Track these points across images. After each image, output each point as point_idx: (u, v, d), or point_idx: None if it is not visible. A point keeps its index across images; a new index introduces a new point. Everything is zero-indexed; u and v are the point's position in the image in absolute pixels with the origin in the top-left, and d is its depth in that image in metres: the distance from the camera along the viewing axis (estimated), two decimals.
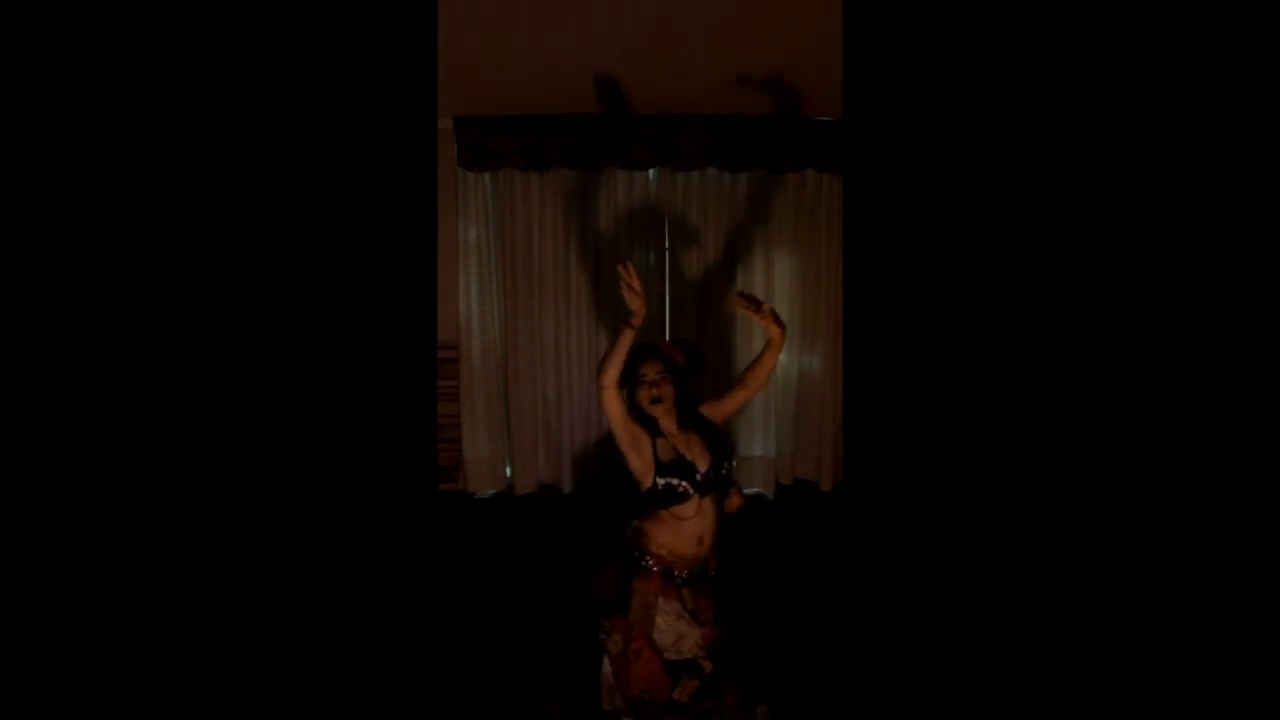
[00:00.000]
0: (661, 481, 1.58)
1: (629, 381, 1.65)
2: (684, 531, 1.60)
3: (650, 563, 1.61)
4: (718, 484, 1.62)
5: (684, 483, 1.58)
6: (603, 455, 3.31)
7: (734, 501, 1.69)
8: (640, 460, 1.62)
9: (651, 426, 1.64)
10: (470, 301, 3.23)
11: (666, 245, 3.25)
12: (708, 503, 1.60)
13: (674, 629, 1.60)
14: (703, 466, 1.60)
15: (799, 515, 3.15)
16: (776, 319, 1.65)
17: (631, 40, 2.23)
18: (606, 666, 1.65)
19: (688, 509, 1.58)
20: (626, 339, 1.57)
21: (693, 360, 1.72)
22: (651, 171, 3.18)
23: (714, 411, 1.72)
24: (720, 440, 1.67)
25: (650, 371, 1.64)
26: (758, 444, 3.42)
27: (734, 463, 1.70)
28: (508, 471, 3.37)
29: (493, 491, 3.36)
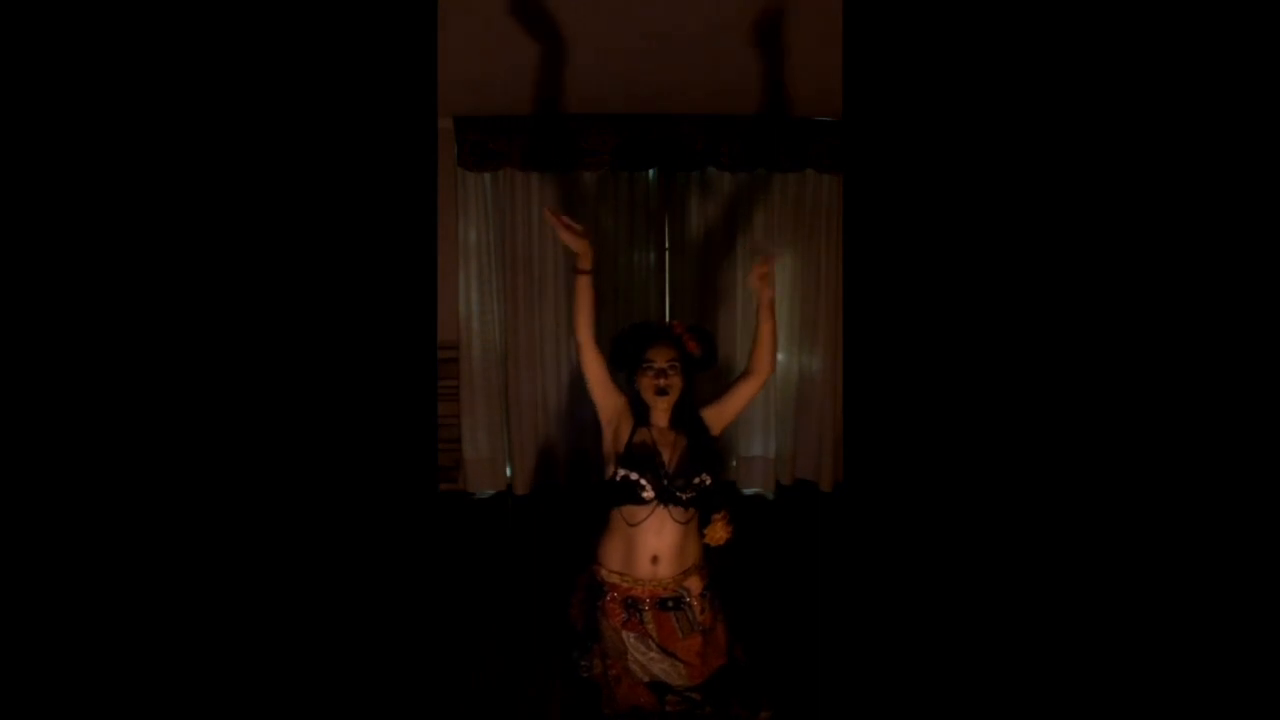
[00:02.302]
0: (621, 472, 1.40)
1: (630, 364, 1.45)
2: (636, 546, 1.40)
3: (608, 595, 1.44)
4: (690, 499, 1.40)
5: (644, 479, 1.38)
6: (599, 454, 3.31)
7: (715, 532, 1.43)
8: (614, 440, 1.45)
9: (640, 415, 1.45)
10: (470, 301, 3.23)
11: (666, 245, 3.25)
12: (667, 517, 1.39)
13: (644, 661, 1.44)
14: (673, 467, 1.40)
15: (799, 515, 3.15)
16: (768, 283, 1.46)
17: (632, 40, 2.22)
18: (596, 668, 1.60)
19: (640, 512, 1.38)
20: (584, 285, 1.41)
21: (706, 352, 1.49)
22: (651, 171, 3.18)
23: (717, 415, 1.50)
24: (705, 452, 1.44)
25: (659, 358, 1.42)
26: (758, 444, 3.41)
27: (712, 481, 1.43)
28: (508, 471, 3.37)
29: (493, 491, 3.36)
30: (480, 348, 3.27)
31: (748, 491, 3.38)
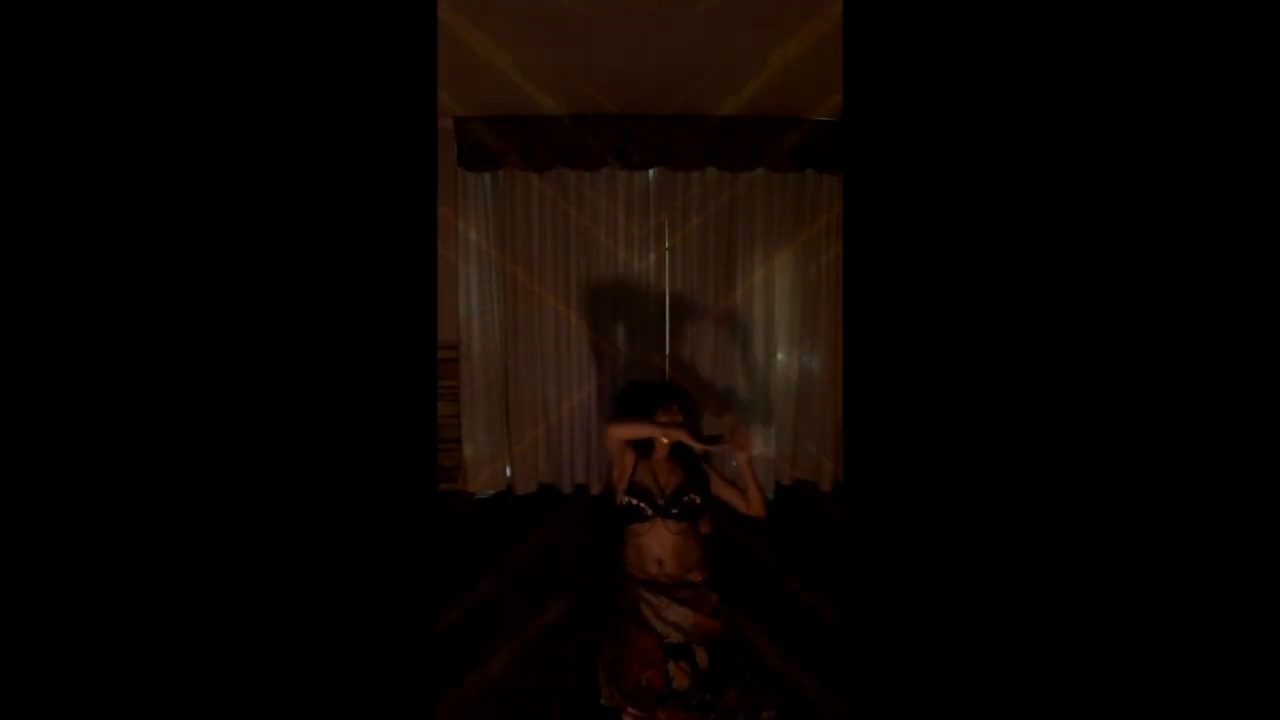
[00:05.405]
0: (626, 499, 1.82)
1: (648, 412, 1.92)
2: (643, 551, 1.80)
3: (630, 571, 1.82)
4: (682, 512, 1.78)
5: (644, 504, 1.80)
6: (603, 456, 3.31)
7: (704, 526, 1.91)
8: (621, 475, 1.84)
9: (645, 447, 1.86)
10: (470, 301, 3.23)
11: (666, 245, 3.25)
12: (664, 528, 1.78)
13: (660, 611, 1.73)
14: (669, 492, 1.81)
15: (799, 515, 3.15)
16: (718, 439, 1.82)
17: (631, 40, 2.22)
18: (605, 654, 1.69)
19: (643, 527, 1.80)
20: (649, 431, 1.80)
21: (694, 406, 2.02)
22: (651, 171, 3.18)
23: (718, 483, 1.89)
24: (694, 477, 1.85)
25: (674, 410, 1.91)
26: (758, 444, 3.41)
27: (700, 500, 1.85)
28: (508, 471, 3.37)
29: (492, 491, 3.36)
30: (480, 348, 3.27)
31: None
